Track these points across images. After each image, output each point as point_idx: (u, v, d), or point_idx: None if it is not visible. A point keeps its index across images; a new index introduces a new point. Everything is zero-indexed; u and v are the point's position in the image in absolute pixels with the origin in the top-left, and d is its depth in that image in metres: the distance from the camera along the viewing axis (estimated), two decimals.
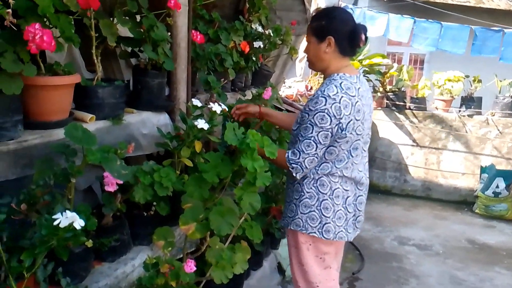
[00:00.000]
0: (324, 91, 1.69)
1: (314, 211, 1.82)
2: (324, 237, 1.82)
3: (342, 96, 1.67)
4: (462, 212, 5.44)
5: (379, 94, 5.82)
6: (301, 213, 1.85)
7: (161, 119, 2.04)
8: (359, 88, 1.75)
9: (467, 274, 3.70)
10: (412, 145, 5.80)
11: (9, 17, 1.21)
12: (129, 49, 2.01)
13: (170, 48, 2.05)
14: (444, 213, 5.30)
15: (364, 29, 1.81)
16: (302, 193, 1.84)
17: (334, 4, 5.93)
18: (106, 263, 1.65)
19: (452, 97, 5.61)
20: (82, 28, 1.64)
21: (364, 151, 1.87)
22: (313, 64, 1.87)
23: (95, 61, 1.72)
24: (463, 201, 5.68)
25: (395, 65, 5.97)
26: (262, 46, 3.06)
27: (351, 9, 5.43)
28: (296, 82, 5.86)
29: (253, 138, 1.54)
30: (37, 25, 1.28)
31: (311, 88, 5.88)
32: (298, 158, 1.72)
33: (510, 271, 3.82)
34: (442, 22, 5.34)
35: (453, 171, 5.72)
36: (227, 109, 1.92)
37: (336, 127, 1.67)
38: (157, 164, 1.76)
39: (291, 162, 1.74)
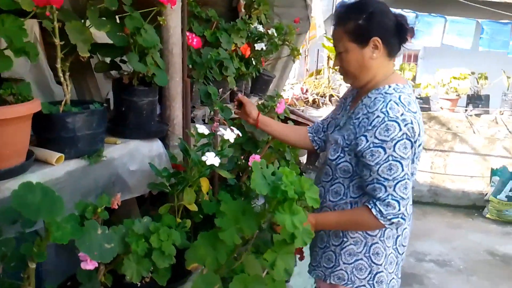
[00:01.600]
0: (387, 113, 1.28)
1: (361, 259, 1.45)
2: None
3: (409, 115, 1.29)
4: (473, 218, 5.12)
5: None
6: (344, 263, 1.47)
7: (154, 149, 1.57)
8: (415, 100, 1.39)
9: None
10: None
11: None
12: (108, 60, 1.54)
13: (161, 56, 1.58)
14: (456, 221, 4.96)
15: (404, 16, 1.40)
16: (345, 239, 1.46)
17: (328, 1, 5.54)
18: None
19: (459, 95, 5.28)
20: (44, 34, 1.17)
21: None
22: (357, 77, 1.42)
23: (62, 78, 1.25)
24: (472, 206, 5.37)
25: (396, 64, 5.60)
26: (264, 48, 2.62)
27: None
28: (290, 84, 5.43)
29: (289, 181, 1.10)
30: None
31: (307, 90, 5.45)
32: (399, 209, 1.30)
33: None
34: (446, 16, 4.99)
35: (461, 174, 5.39)
36: (240, 135, 1.47)
37: (414, 153, 1.32)
38: (151, 207, 1.31)
39: (390, 217, 1.31)
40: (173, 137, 1.70)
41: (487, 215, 5.09)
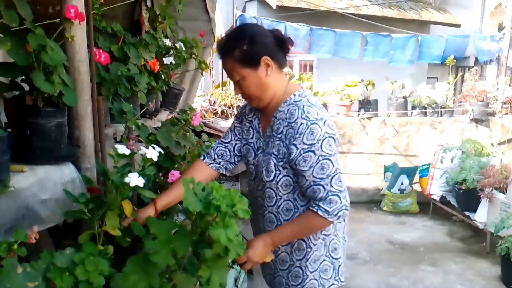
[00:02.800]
0: (308, 117, 1.38)
1: (324, 260, 1.53)
2: (341, 282, 1.59)
3: (322, 113, 1.41)
4: (372, 212, 5.61)
5: None
6: (311, 272, 1.53)
7: (66, 173, 1.45)
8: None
9: (399, 279, 3.70)
10: None
11: None
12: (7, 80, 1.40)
13: (67, 74, 1.48)
14: (358, 215, 5.38)
15: (278, 30, 1.52)
16: (309, 249, 1.51)
17: (229, 12, 5.67)
18: None
19: (351, 101, 5.76)
20: None
21: None
22: (260, 98, 1.48)
23: None
24: (371, 201, 5.88)
25: (295, 73, 5.93)
26: (173, 62, 2.59)
27: (254, 18, 5.22)
28: (198, 96, 5.43)
29: (220, 195, 1.11)
30: None
31: (215, 102, 5.50)
32: (341, 202, 1.38)
33: (434, 267, 3.95)
34: (335, 30, 5.44)
35: (359, 173, 5.88)
36: (162, 152, 1.44)
37: (336, 146, 1.42)
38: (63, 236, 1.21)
39: (336, 212, 1.38)
40: (85, 159, 1.59)
41: (384, 208, 5.61)
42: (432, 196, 5.20)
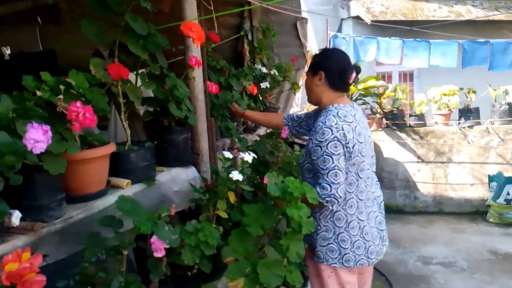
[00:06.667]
0: (325, 122, 1.81)
1: (332, 243, 1.90)
2: (345, 266, 1.89)
3: (342, 124, 1.80)
4: (477, 223, 5.43)
5: (378, 115, 5.90)
6: (320, 245, 1.92)
7: (190, 174, 2.04)
8: (355, 115, 1.90)
9: (496, 287, 3.65)
10: (418, 162, 5.84)
11: (61, 103, 1.22)
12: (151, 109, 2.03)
13: (190, 102, 2.07)
14: (460, 226, 5.28)
15: (356, 68, 2.01)
16: (319, 227, 1.90)
17: (324, 33, 6.09)
18: None
19: (450, 110, 5.70)
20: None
21: (373, 172, 1.99)
22: (308, 96, 2.05)
23: (124, 126, 1.73)
24: (476, 212, 5.68)
25: (390, 85, 6.08)
26: (268, 85, 3.12)
27: (344, 38, 5.58)
28: (295, 112, 5.92)
29: (294, 186, 1.55)
30: (78, 103, 1.29)
31: None
32: (331, 191, 1.76)
33: None
34: (430, 40, 5.50)
35: (462, 182, 5.74)
36: (256, 157, 1.93)
37: (346, 152, 1.79)
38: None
39: (324, 197, 1.77)
40: (202, 164, 2.17)
41: (490, 219, 5.39)
42: None
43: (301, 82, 4.15)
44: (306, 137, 2.97)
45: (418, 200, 5.88)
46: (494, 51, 5.32)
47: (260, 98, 3.08)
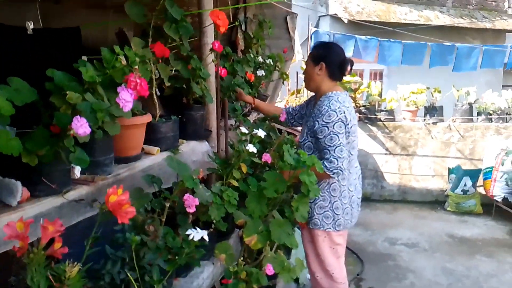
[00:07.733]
0: (330, 106, 2.14)
1: (327, 211, 2.24)
2: (337, 230, 2.24)
3: (343, 108, 2.12)
4: (436, 211, 5.96)
5: None
6: (317, 213, 2.25)
7: (204, 147, 2.28)
8: (349, 101, 2.26)
9: (455, 265, 4.13)
10: (386, 154, 6.30)
11: (137, 72, 1.43)
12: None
13: None
14: (422, 213, 5.78)
15: (351, 62, 2.32)
16: (316, 197, 2.18)
17: (303, 27, 6.40)
18: (181, 278, 1.85)
19: (417, 107, 6.18)
20: None
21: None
22: (307, 83, 2.35)
23: (155, 101, 1.95)
24: (435, 201, 6.21)
25: (364, 81, 6.49)
26: (264, 74, 3.38)
27: (328, 34, 5.91)
28: (276, 103, 6.21)
29: (305, 157, 1.84)
30: (134, 75, 1.51)
31: None
32: (337, 164, 2.07)
33: (489, 258, 4.30)
34: (402, 41, 5.93)
35: (424, 174, 6.26)
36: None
37: (346, 131, 2.12)
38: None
39: (331, 169, 2.07)
40: (211, 140, 2.42)
41: (448, 208, 5.93)
42: (494, 198, 5.46)
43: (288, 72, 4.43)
44: (299, 128, 3.32)
45: (385, 189, 6.35)
46: (458, 55, 5.83)
47: (256, 85, 3.33)
